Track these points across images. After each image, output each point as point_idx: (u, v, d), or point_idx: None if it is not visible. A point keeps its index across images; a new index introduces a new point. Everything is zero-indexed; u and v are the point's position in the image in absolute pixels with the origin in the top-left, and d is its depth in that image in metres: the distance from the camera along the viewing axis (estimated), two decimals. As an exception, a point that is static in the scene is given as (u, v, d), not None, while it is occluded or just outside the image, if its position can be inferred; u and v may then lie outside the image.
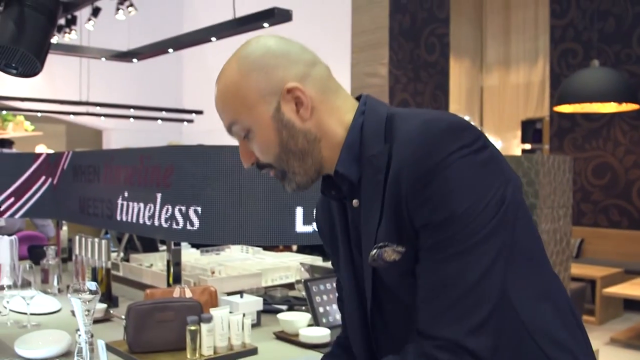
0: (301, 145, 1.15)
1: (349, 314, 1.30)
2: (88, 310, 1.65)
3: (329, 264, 2.96)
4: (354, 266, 1.24)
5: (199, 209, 2.27)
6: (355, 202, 1.17)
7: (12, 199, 3.27)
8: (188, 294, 2.02)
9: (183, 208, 2.31)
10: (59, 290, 2.66)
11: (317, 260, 3.05)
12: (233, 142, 1.32)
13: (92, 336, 1.77)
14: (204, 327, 1.79)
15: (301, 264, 2.83)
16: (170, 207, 2.37)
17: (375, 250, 1.10)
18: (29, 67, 1.97)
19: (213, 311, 1.84)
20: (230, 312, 1.90)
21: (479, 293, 1.01)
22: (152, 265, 2.94)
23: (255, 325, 2.16)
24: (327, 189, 1.23)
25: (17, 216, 3.34)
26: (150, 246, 3.28)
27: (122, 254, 3.22)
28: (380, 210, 1.09)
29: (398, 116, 1.13)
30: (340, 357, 1.36)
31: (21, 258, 3.32)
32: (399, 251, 1.08)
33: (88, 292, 1.66)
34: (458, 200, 1.01)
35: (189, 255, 3.17)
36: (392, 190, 1.07)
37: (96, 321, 2.22)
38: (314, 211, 1.46)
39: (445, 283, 1.03)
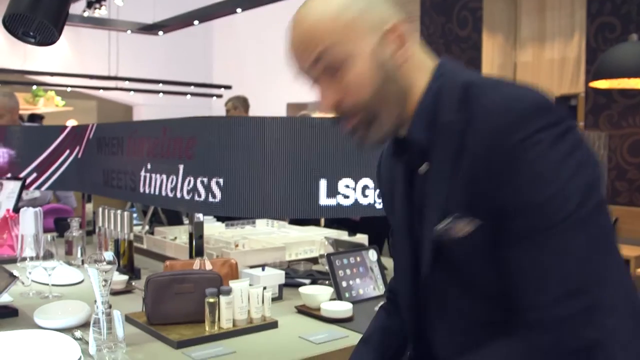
0: (393, 92, 1.08)
1: (400, 287, 1.26)
2: (105, 281, 1.63)
3: (354, 239, 2.91)
4: (411, 235, 1.17)
5: (221, 180, 2.23)
6: (422, 168, 1.11)
7: (38, 172, 3.28)
8: (208, 266, 1.99)
9: (205, 180, 2.27)
10: (83, 262, 2.65)
11: (342, 235, 3.00)
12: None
13: (110, 307, 1.75)
14: (223, 299, 1.76)
15: (325, 238, 2.78)
16: (192, 178, 2.33)
17: (446, 222, 1.03)
18: (47, 36, 1.93)
19: (232, 284, 1.80)
20: (251, 285, 1.86)
21: (574, 279, 0.94)
22: (176, 238, 2.92)
23: (277, 298, 2.12)
24: (399, 152, 1.17)
25: (43, 188, 3.34)
26: (175, 219, 3.26)
27: (147, 227, 3.21)
28: (451, 182, 1.03)
29: (476, 86, 1.05)
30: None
31: (48, 230, 3.33)
32: (471, 225, 1.01)
33: (105, 262, 1.63)
34: (543, 185, 0.94)
35: (214, 228, 3.14)
36: (469, 163, 1.00)
37: (117, 293, 2.21)
38: (378, 166, 1.36)
39: (538, 268, 0.96)
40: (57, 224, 3.38)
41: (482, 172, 0.98)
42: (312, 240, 2.85)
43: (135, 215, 3.48)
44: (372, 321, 1.43)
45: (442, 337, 1.16)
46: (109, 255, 1.64)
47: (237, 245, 2.71)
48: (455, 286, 1.08)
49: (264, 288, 1.86)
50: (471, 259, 1.04)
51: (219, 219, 3.47)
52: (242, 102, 5.24)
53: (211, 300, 1.74)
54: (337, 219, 3.98)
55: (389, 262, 2.79)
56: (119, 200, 3.41)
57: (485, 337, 1.03)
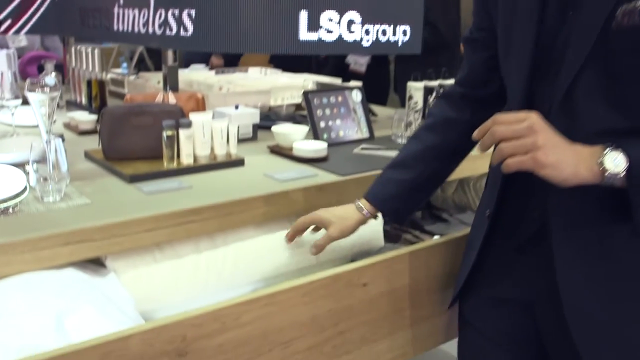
0: None
1: (513, 93, 1.15)
2: (50, 106, 1.49)
3: (347, 85, 2.73)
4: (539, 29, 1.08)
5: (193, 12, 2.03)
6: None
7: (13, 16, 3.08)
8: (172, 99, 1.85)
9: (176, 12, 2.08)
10: (58, 105, 2.52)
11: (336, 81, 2.82)
12: None
13: (62, 139, 1.63)
14: (183, 133, 1.62)
15: (314, 82, 2.61)
16: (163, 11, 2.13)
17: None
18: None
19: (193, 116, 1.66)
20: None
21: None
22: (159, 82, 2.76)
23: (251, 139, 1.99)
24: None
25: (21, 33, 3.16)
26: (160, 64, 3.09)
27: (134, 73, 3.05)
28: None
29: None
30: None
31: (32, 77, 3.19)
32: None
33: (47, 88, 1.49)
34: None
35: (202, 74, 2.98)
36: None
37: (86, 133, 2.09)
38: None
39: None
40: (40, 70, 3.24)
41: None
42: (301, 86, 2.68)
43: (124, 63, 3.33)
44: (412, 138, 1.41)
45: None
46: (51, 80, 1.49)
47: (221, 89, 2.56)
48: (596, 92, 1.00)
49: (229, 123, 1.72)
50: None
51: (212, 68, 3.30)
52: None
53: (169, 132, 1.61)
54: (341, 73, 3.78)
55: (380, 110, 2.63)
56: (106, 47, 3.24)
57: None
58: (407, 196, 1.35)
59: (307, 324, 1.21)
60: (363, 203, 1.36)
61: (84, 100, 2.38)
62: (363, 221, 1.35)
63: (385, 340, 1.37)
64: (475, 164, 1.78)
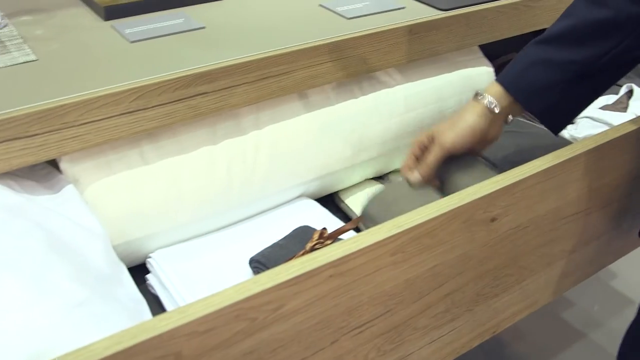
0: None
1: None
2: None
3: None
4: None
5: None
6: None
7: None
8: None
9: None
10: None
11: None
12: None
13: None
14: None
15: None
16: None
17: None
18: None
19: None
20: None
21: None
22: None
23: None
24: None
25: None
26: None
27: None
28: None
29: None
30: None
31: None
32: None
33: None
34: None
35: None
36: None
37: None
38: None
39: None
40: None
41: None
42: None
43: None
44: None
45: None
46: None
47: None
48: None
49: None
50: None
51: None
52: None
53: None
54: None
55: None
56: None
57: None
58: (572, 91, 0.76)
59: (397, 293, 0.70)
60: (491, 91, 0.80)
61: None
62: (485, 114, 0.79)
63: (511, 292, 0.86)
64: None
